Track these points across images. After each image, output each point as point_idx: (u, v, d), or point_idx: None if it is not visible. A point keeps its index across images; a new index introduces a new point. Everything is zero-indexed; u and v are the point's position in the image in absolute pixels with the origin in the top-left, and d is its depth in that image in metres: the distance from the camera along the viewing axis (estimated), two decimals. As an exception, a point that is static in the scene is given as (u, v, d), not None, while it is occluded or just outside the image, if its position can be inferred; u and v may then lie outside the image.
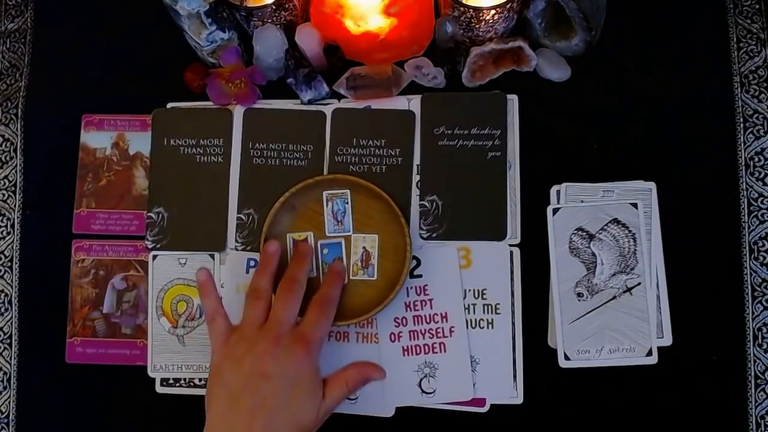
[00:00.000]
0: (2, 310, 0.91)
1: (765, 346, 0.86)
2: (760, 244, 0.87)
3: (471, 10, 0.81)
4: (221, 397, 0.75)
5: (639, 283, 0.86)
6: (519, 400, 0.85)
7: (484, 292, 0.87)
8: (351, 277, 0.87)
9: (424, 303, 0.87)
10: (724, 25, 0.91)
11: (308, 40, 0.87)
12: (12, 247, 0.92)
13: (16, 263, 0.92)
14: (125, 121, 0.93)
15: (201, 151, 0.91)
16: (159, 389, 0.88)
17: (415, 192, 0.89)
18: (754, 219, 0.87)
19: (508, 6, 0.81)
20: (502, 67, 0.89)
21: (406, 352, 0.86)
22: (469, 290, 0.87)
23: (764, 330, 0.86)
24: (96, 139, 0.93)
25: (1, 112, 0.94)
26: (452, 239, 0.88)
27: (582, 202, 0.87)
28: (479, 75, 0.89)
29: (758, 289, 0.86)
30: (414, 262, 0.87)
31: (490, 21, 0.83)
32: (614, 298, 0.86)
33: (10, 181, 0.93)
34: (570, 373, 0.85)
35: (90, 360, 0.89)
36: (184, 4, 0.81)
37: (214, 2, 0.83)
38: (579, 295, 0.86)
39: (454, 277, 0.87)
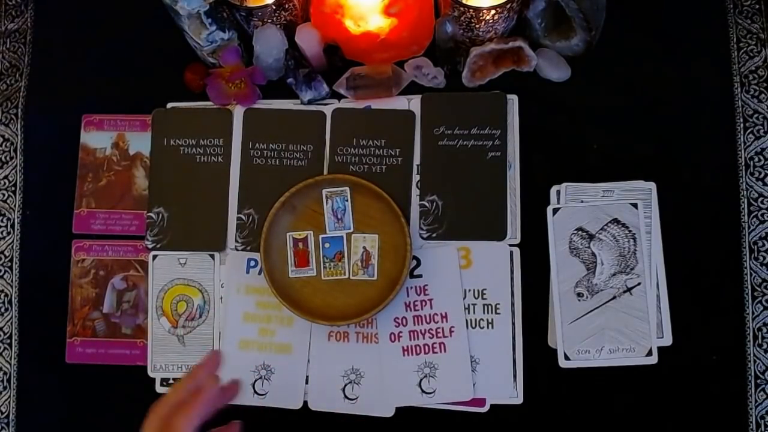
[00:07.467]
0: (2, 310, 0.91)
1: (765, 346, 0.86)
2: (760, 244, 0.87)
3: (471, 10, 0.81)
4: None
5: (639, 283, 0.86)
6: (519, 400, 0.85)
7: (484, 292, 0.87)
8: (351, 277, 0.87)
9: (424, 303, 0.87)
10: (724, 25, 0.91)
11: (308, 40, 0.87)
12: (12, 247, 0.92)
13: (16, 263, 0.92)
14: (125, 121, 0.93)
15: (201, 151, 0.91)
16: (159, 389, 0.88)
17: (415, 192, 0.89)
18: (754, 219, 0.87)
19: (508, 6, 0.81)
20: (502, 67, 0.89)
21: (406, 352, 0.86)
22: (469, 290, 0.87)
23: (764, 330, 0.86)
24: (96, 139, 0.93)
25: (1, 112, 0.94)
26: (452, 239, 0.88)
27: (582, 202, 0.87)
28: (479, 75, 0.89)
29: (758, 289, 0.86)
30: (414, 262, 0.87)
31: (490, 21, 0.83)
32: (614, 298, 0.86)
33: (10, 181, 0.93)
34: (570, 373, 0.85)
35: (90, 360, 0.89)
36: (184, 4, 0.81)
37: (214, 2, 0.83)
38: (579, 295, 0.86)
39: (454, 277, 0.87)
